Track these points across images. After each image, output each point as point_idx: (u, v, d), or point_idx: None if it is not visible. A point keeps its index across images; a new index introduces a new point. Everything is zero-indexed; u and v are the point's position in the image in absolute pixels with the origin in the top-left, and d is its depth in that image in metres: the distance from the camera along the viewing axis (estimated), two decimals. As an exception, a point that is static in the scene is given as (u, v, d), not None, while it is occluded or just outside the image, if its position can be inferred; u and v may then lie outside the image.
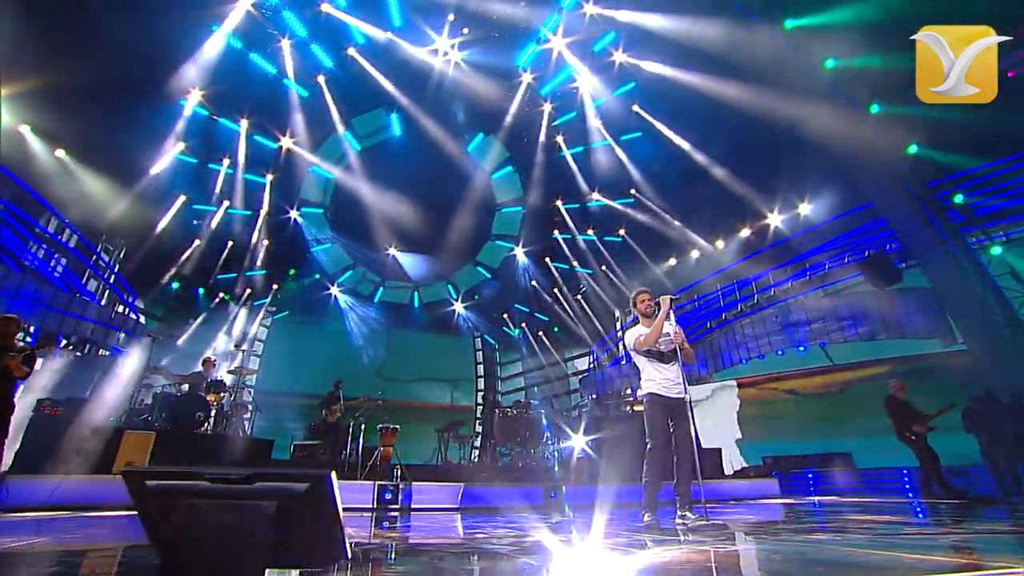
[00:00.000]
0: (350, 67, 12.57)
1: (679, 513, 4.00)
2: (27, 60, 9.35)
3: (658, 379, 4.34)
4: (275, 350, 16.94)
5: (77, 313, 11.18)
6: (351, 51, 12.31)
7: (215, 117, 12.27)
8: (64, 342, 11.42)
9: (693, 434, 4.05)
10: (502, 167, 16.09)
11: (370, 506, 6.86)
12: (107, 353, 11.85)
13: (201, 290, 14.48)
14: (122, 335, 11.71)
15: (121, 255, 12.72)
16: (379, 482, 7.22)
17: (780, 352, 13.56)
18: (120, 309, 12.55)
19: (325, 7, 11.48)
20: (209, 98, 11.84)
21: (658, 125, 13.87)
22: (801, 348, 13.21)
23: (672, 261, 16.68)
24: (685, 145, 13.89)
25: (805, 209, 14.04)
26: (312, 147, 13.81)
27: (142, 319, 12.91)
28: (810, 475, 12.02)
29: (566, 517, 5.83)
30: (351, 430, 8.43)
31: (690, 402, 4.24)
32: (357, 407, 10.48)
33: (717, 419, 14.81)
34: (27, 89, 9.85)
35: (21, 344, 4.76)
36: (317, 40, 12.09)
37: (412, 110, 13.76)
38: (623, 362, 16.57)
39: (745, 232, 15.17)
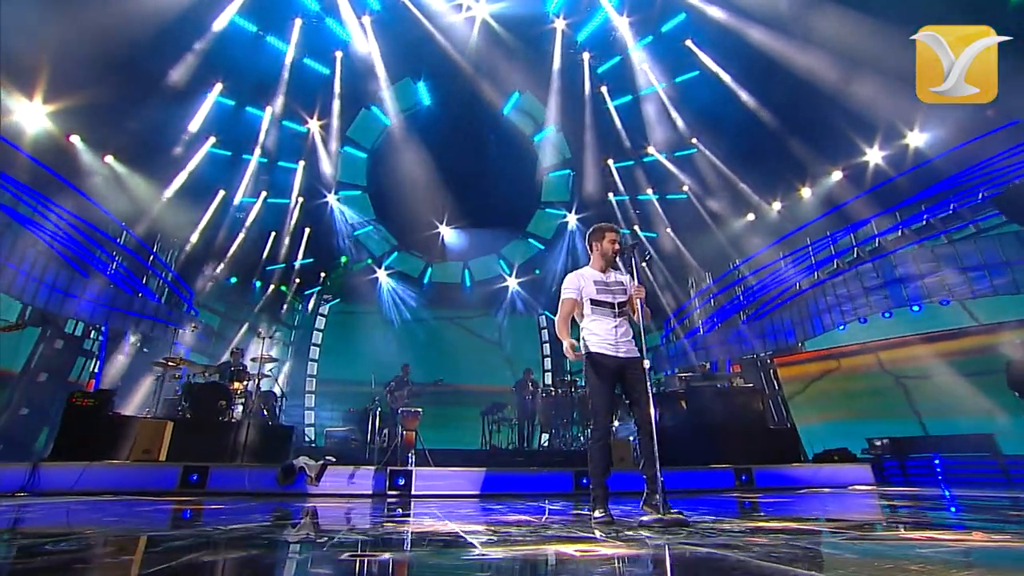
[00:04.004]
0: (368, 39, 11.94)
1: (645, 501, 3.34)
2: (69, 75, 9.76)
3: (604, 333, 3.56)
4: (329, 338, 17.11)
5: (138, 311, 11.79)
6: (367, 20, 11.68)
7: (241, 106, 12.21)
8: (132, 339, 12.15)
9: (652, 405, 3.33)
10: (544, 128, 14.76)
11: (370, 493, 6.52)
12: (170, 349, 12.47)
13: (258, 283, 14.86)
14: (180, 330, 12.22)
15: (175, 254, 13.24)
16: (391, 468, 6.90)
17: (888, 314, 11.18)
18: (180, 306, 13.12)
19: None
20: (232, 88, 11.78)
21: (715, 62, 11.93)
22: (915, 308, 10.77)
23: (750, 216, 14.51)
24: (752, 79, 11.83)
25: (917, 139, 11.46)
26: (341, 127, 13.42)
27: (200, 314, 13.44)
28: (936, 461, 9.85)
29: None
30: (371, 416, 8.09)
31: (649, 368, 3.42)
32: (424, 392, 10.23)
33: (808, 395, 12.67)
34: (74, 103, 10.34)
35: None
36: (331, 14, 11.58)
37: (439, 75, 12.93)
38: (700, 332, 14.87)
39: (837, 175, 12.75)
